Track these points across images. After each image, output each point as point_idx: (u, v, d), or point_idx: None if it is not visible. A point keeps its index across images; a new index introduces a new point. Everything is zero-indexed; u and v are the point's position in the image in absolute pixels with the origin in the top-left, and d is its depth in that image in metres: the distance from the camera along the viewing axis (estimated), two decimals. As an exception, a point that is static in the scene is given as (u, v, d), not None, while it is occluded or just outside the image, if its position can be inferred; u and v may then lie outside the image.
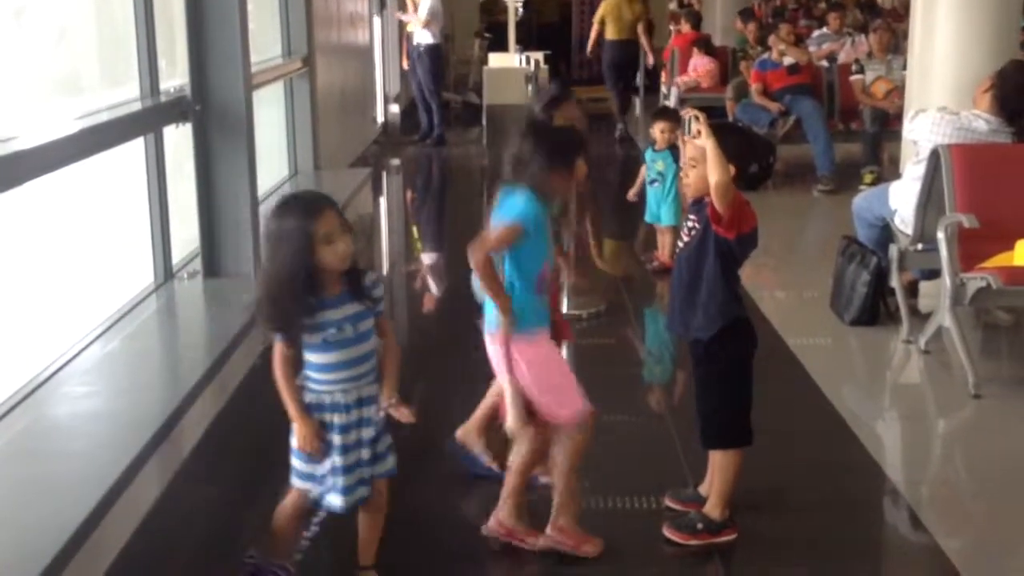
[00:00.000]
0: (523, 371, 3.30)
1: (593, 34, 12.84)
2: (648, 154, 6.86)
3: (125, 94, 4.71)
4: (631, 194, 7.05)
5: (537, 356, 3.33)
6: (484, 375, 3.55)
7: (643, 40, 12.60)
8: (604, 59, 12.81)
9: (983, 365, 4.96)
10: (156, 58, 4.81)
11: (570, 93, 3.97)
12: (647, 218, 6.91)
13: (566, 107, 3.95)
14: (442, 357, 5.04)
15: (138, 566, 3.20)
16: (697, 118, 3.32)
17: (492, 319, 3.34)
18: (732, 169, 3.24)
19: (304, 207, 2.91)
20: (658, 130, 6.71)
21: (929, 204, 5.25)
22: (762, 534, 3.63)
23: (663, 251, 6.77)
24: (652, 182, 6.78)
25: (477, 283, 3.41)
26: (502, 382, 3.34)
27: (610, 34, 12.47)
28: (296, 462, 3.06)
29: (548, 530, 3.43)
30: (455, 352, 4.82)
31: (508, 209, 3.28)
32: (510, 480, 3.46)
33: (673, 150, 6.47)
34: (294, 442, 3.02)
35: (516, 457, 3.45)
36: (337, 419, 2.99)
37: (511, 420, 3.33)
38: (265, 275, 2.96)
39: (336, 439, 2.98)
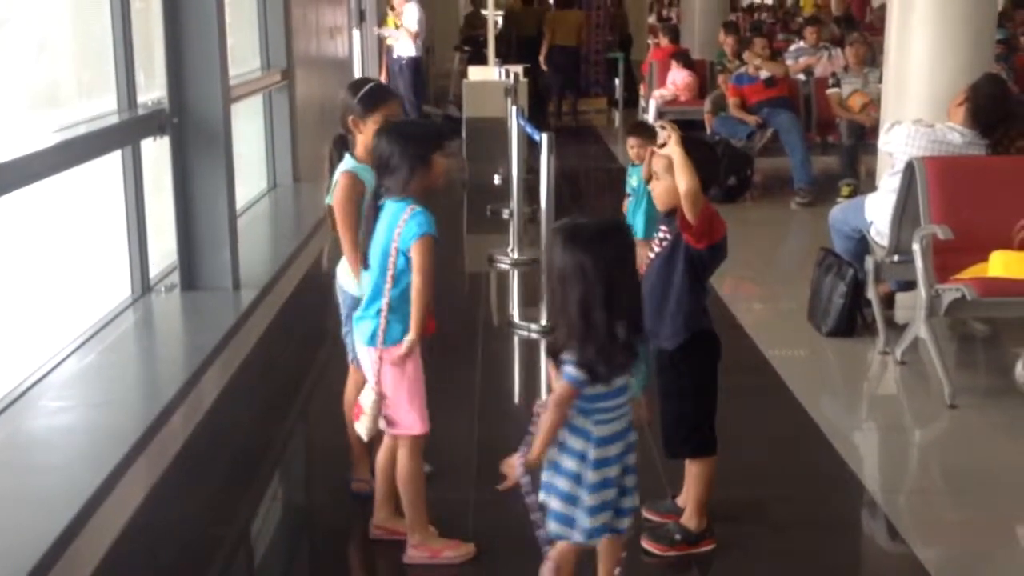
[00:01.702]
0: (386, 377, 3.33)
1: (545, 44, 14.87)
2: (629, 168, 6.80)
3: (103, 107, 4.70)
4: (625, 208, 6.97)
5: (398, 364, 3.32)
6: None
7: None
8: (551, 63, 14.79)
9: (959, 375, 5.00)
10: (134, 71, 4.81)
11: (391, 93, 3.81)
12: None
13: (389, 106, 3.72)
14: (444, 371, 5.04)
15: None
16: (664, 127, 3.35)
17: (374, 332, 3.31)
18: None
19: (623, 228, 2.87)
20: (628, 146, 6.54)
21: (904, 216, 5.29)
22: (740, 545, 3.64)
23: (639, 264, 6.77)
24: (627, 195, 6.74)
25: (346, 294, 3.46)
26: (371, 391, 3.34)
27: (555, 41, 14.70)
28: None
29: (410, 549, 3.41)
30: (457, 366, 4.81)
31: (414, 227, 3.23)
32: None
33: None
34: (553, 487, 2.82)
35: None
36: (594, 454, 2.80)
37: (367, 427, 3.35)
38: (601, 312, 2.70)
39: (591, 475, 2.80)
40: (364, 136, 3.62)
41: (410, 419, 3.35)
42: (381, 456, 3.51)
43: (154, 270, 5.03)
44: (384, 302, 3.26)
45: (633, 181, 6.51)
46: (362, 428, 3.38)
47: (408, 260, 3.24)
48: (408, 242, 3.22)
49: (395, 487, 3.45)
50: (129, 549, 3.28)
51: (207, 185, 5.05)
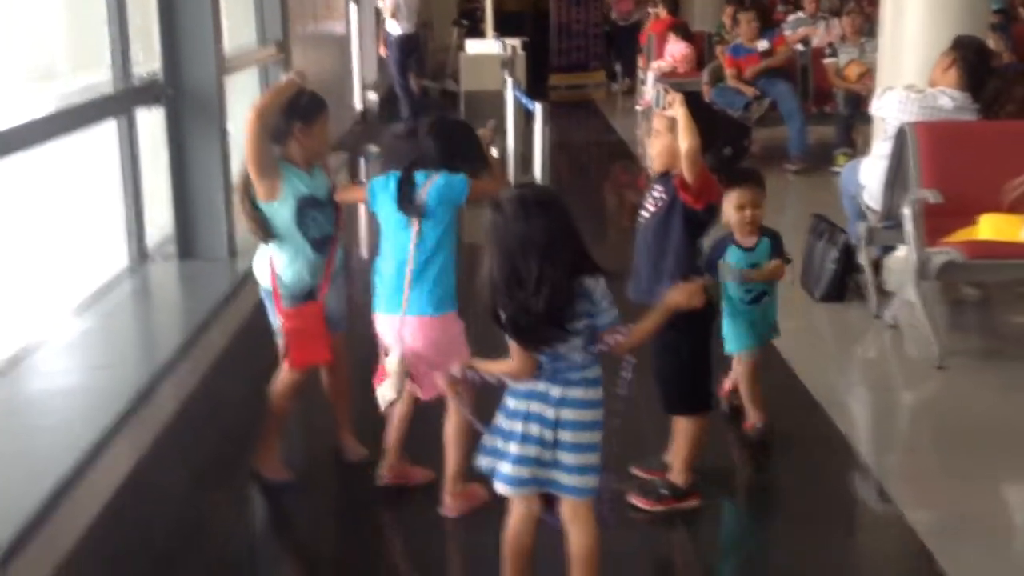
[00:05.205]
0: (444, 344, 3.41)
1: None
2: (736, 256, 4.07)
3: (99, 79, 4.73)
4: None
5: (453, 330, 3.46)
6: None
7: None
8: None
9: (949, 338, 5.02)
10: (128, 42, 4.83)
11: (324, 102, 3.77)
12: (739, 346, 4.15)
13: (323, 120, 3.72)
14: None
15: (109, 539, 3.22)
16: (667, 91, 3.38)
17: (438, 300, 3.43)
18: None
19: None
20: (734, 206, 4.02)
21: (896, 181, 5.32)
22: (727, 503, 3.69)
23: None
24: (760, 296, 4.12)
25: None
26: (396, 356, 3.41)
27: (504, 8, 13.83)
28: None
29: (450, 500, 3.52)
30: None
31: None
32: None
33: (771, 235, 4.17)
34: None
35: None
36: (508, 400, 2.85)
37: (394, 387, 3.41)
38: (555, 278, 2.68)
39: (501, 419, 2.84)
40: (310, 141, 3.66)
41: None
42: (399, 416, 3.65)
43: (154, 239, 5.08)
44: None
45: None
46: (386, 390, 3.43)
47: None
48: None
49: (405, 435, 3.65)
50: (123, 508, 3.32)
51: (202, 155, 5.09)
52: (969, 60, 5.45)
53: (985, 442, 4.15)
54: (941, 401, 4.67)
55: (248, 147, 3.53)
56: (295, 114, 3.61)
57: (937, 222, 4.96)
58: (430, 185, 3.42)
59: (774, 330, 4.24)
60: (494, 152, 7.10)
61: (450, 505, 3.55)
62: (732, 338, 4.12)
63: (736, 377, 4.21)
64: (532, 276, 2.63)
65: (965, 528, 3.56)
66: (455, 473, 3.53)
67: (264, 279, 3.71)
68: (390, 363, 3.41)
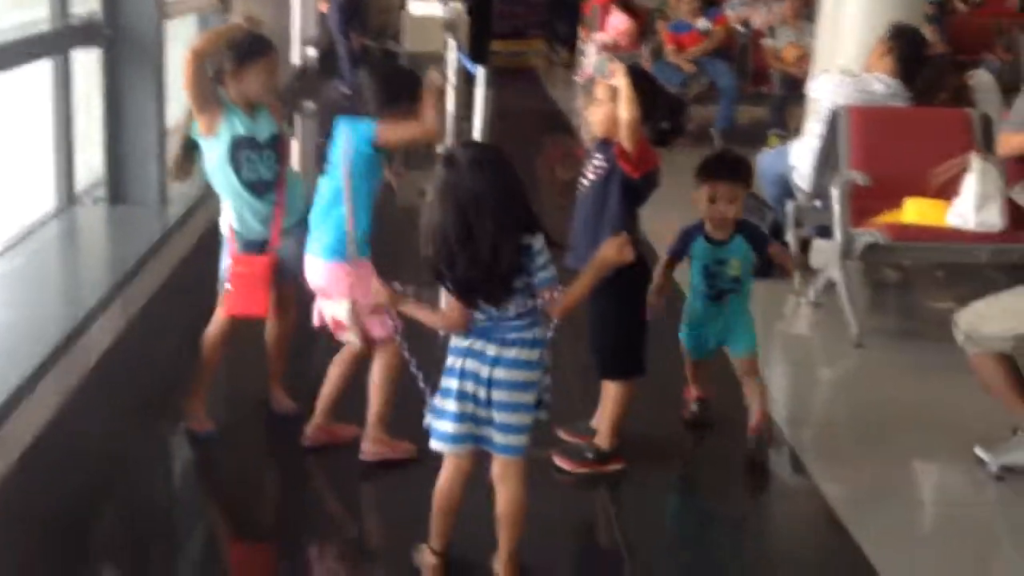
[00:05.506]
0: (361, 291, 3.39)
1: None
2: (701, 248, 3.88)
3: (35, 16, 4.64)
4: (653, 299, 3.77)
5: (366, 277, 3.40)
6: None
7: None
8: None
9: (869, 318, 5.15)
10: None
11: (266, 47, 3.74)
12: (694, 350, 4.06)
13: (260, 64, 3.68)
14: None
15: (31, 479, 3.20)
16: (611, 60, 3.42)
17: (338, 246, 3.45)
18: None
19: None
20: (706, 196, 3.80)
21: (827, 162, 5.41)
22: (649, 472, 3.75)
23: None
24: (723, 293, 3.91)
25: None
26: (343, 304, 3.44)
27: None
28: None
29: (369, 445, 3.56)
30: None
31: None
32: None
33: (749, 234, 3.93)
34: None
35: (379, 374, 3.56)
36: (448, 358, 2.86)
37: (357, 336, 3.46)
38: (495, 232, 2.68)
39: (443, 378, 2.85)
40: (244, 84, 3.65)
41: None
42: (339, 366, 3.63)
43: (84, 183, 5.01)
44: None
45: (735, 268, 3.89)
46: (352, 338, 3.49)
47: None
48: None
49: (340, 396, 3.63)
50: (46, 449, 3.30)
51: (138, 99, 5.03)
52: (904, 49, 5.56)
53: (897, 418, 4.26)
54: (857, 378, 4.79)
55: (186, 83, 3.55)
56: (230, 56, 3.61)
57: (864, 204, 5.07)
58: (346, 133, 3.45)
59: (741, 345, 3.98)
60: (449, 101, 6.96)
61: (368, 451, 3.58)
62: (684, 329, 4.00)
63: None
64: (487, 233, 2.63)
65: (876, 500, 3.66)
66: (377, 418, 3.57)
67: (224, 227, 3.72)
68: (341, 314, 3.42)
